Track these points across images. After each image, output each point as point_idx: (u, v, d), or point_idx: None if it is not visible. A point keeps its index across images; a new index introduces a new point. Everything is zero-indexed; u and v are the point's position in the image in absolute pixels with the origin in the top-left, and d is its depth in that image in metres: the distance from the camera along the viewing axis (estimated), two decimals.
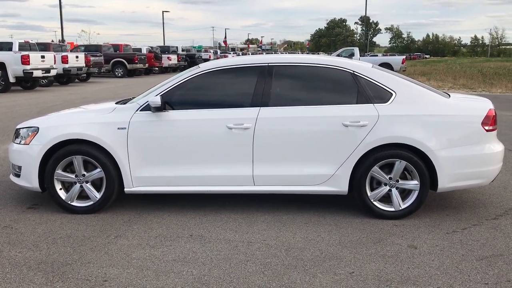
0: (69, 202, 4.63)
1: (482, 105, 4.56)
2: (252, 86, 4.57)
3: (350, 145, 4.38)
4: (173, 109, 4.57)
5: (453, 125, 4.39)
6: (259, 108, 4.49)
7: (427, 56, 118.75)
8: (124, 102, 5.02)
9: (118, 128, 4.50)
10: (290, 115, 4.45)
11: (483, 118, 4.42)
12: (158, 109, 4.47)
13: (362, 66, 4.63)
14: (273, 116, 4.45)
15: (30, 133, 4.68)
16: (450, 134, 4.37)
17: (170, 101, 4.58)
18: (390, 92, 4.47)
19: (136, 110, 4.56)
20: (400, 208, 4.45)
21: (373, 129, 4.35)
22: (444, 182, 4.39)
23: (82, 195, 4.67)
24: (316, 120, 4.42)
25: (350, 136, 4.38)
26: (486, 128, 4.41)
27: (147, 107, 4.54)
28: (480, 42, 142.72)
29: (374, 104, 4.43)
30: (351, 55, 27.73)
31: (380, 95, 4.47)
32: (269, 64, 4.63)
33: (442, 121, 4.37)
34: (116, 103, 4.97)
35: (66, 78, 22.18)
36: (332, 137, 4.40)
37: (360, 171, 4.40)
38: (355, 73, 4.54)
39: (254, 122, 4.44)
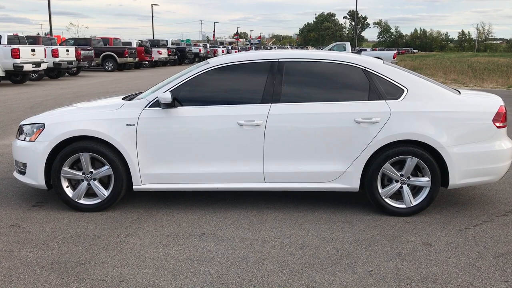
0: (76, 200, 4.55)
1: (493, 102, 4.55)
2: (263, 82, 4.51)
3: (362, 141, 4.36)
4: (182, 105, 4.50)
5: (465, 121, 4.38)
6: (270, 104, 4.44)
7: (415, 50, 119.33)
8: (130, 97, 4.93)
9: (127, 125, 4.42)
10: (302, 112, 4.41)
11: (494, 114, 4.42)
12: (168, 105, 4.39)
13: (373, 62, 4.59)
14: (284, 112, 4.41)
15: (35, 130, 4.58)
16: (462, 131, 4.36)
17: (179, 97, 4.51)
18: (401, 89, 4.45)
19: (145, 106, 4.48)
20: (411, 205, 4.44)
21: (385, 126, 4.33)
22: (455, 178, 4.39)
23: (89, 193, 4.59)
24: (328, 116, 4.38)
25: (362, 132, 4.35)
26: (497, 124, 4.42)
27: (156, 103, 4.46)
28: (467, 37, 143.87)
29: (386, 101, 4.40)
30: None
31: (391, 91, 4.44)
32: (280, 60, 4.57)
33: (454, 118, 4.36)
34: (123, 99, 4.88)
35: (56, 72, 21.87)
36: (344, 133, 4.37)
37: (372, 168, 4.38)
38: (366, 69, 4.51)
39: (265, 118, 4.39)
